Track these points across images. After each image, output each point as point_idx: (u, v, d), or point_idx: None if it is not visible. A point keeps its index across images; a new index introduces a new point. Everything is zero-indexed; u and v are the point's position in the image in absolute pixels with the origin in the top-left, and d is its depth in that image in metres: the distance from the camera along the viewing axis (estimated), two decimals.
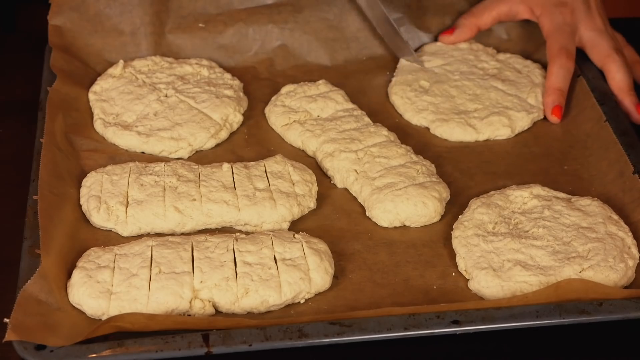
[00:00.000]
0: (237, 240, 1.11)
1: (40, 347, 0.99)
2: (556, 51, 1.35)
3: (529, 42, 1.45)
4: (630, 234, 1.14)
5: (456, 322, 1.03)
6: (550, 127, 1.33)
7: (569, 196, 1.19)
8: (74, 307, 1.06)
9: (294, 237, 1.13)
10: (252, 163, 1.22)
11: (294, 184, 1.19)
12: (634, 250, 1.13)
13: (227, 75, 1.37)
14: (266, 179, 1.19)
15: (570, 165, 1.27)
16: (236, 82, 1.36)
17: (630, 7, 1.80)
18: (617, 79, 1.34)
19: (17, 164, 1.21)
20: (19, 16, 1.72)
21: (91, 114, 1.31)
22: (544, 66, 1.41)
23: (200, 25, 1.41)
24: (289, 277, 1.08)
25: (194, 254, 1.09)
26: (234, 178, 1.19)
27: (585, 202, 1.18)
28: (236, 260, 1.09)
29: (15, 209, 1.15)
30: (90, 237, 1.15)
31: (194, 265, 1.08)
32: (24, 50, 1.43)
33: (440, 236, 1.17)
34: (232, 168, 1.20)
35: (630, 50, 1.43)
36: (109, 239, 1.15)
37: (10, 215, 1.14)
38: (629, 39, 1.44)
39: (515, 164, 1.28)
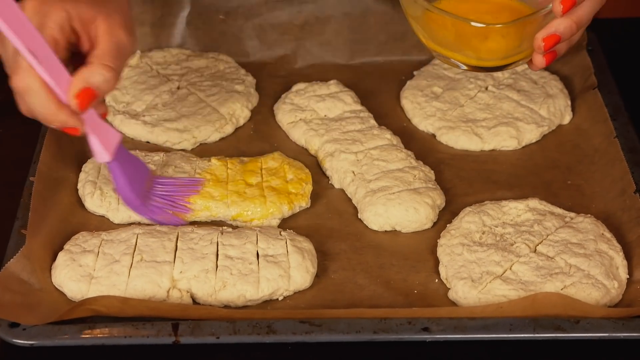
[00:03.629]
0: (222, 233, 1.13)
1: (14, 325, 1.02)
2: None
3: None
4: (621, 253, 1.12)
5: (427, 330, 1.03)
6: (559, 140, 1.31)
7: (565, 212, 1.18)
8: (56, 288, 1.09)
9: (280, 234, 1.14)
10: (248, 159, 1.23)
11: (287, 182, 1.20)
12: (622, 271, 1.11)
13: (242, 71, 1.39)
14: (260, 175, 1.21)
15: (574, 180, 1.26)
16: (249, 78, 1.38)
17: (630, 7, 1.76)
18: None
19: (17, 164, 1.23)
20: None
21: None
22: (563, 78, 1.39)
23: (221, 17, 1.43)
24: (268, 273, 1.09)
25: (178, 244, 1.11)
26: (228, 173, 1.20)
27: (579, 218, 1.16)
28: (218, 253, 1.10)
29: (15, 209, 1.16)
30: (83, 222, 1.17)
31: (176, 256, 1.10)
32: None
33: (429, 243, 1.17)
34: (227, 163, 1.22)
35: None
36: (102, 224, 1.18)
37: (10, 215, 1.16)
38: (629, 39, 1.42)
39: (517, 176, 1.26)
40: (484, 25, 1.07)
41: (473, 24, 1.07)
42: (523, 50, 1.10)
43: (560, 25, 1.06)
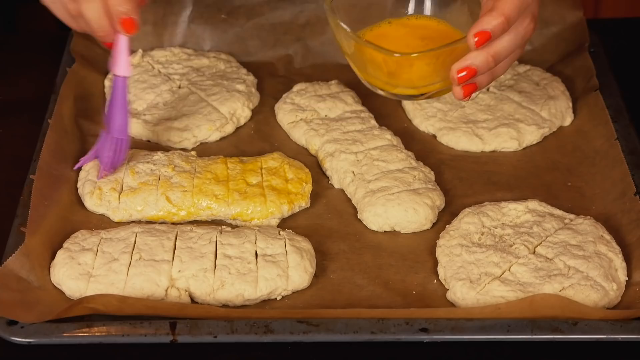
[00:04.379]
0: (221, 232, 1.13)
1: (12, 323, 1.03)
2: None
3: (553, 52, 1.43)
4: (620, 255, 1.12)
5: (425, 330, 1.03)
6: (560, 142, 1.31)
7: (565, 213, 1.18)
8: (55, 286, 1.09)
9: (279, 234, 1.14)
10: (248, 158, 1.23)
11: (287, 182, 1.20)
12: (621, 272, 1.11)
13: (243, 70, 1.39)
14: (260, 174, 1.21)
15: (575, 182, 1.25)
16: (250, 78, 1.38)
17: (630, 7, 1.76)
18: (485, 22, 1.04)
19: (17, 163, 1.23)
20: (19, 16, 1.74)
21: (105, 100, 1.34)
22: (565, 79, 1.39)
23: (223, 16, 1.43)
24: (266, 272, 1.09)
25: (177, 243, 1.11)
26: (228, 172, 1.21)
27: (578, 220, 1.16)
28: (217, 252, 1.10)
29: (15, 208, 1.16)
30: (83, 220, 1.18)
31: (175, 254, 1.10)
32: (24, 50, 1.46)
33: (428, 244, 1.17)
34: (227, 162, 1.22)
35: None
36: (101, 223, 1.18)
37: (10, 214, 1.16)
38: (629, 39, 1.41)
39: (517, 177, 1.26)
40: (399, 55, 1.06)
41: (387, 53, 1.06)
42: (446, 79, 1.08)
43: (476, 58, 1.04)
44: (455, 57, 1.05)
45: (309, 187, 1.21)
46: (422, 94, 1.12)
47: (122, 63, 1.14)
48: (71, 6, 1.11)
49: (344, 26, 1.09)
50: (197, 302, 1.08)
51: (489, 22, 1.02)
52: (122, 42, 1.13)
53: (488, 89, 1.36)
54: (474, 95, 1.12)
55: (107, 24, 1.10)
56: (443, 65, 1.06)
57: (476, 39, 1.02)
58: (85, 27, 1.12)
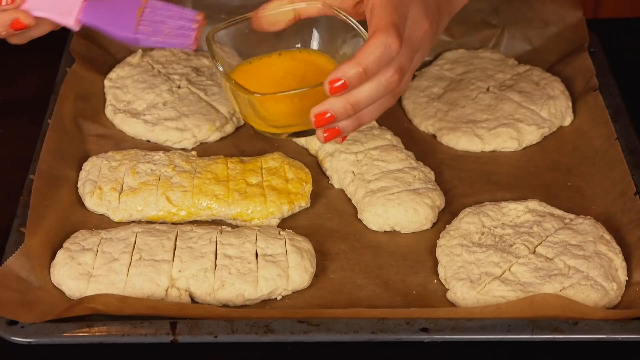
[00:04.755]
0: (221, 232, 1.13)
1: (12, 323, 1.03)
2: (384, 25, 1.00)
3: (553, 52, 1.43)
4: (620, 255, 1.12)
5: (425, 330, 1.03)
6: (560, 142, 1.31)
7: (565, 213, 1.18)
8: (54, 286, 1.09)
9: (279, 234, 1.14)
10: (248, 158, 1.23)
11: (287, 182, 1.20)
12: (621, 272, 1.11)
13: None
14: (260, 174, 1.21)
15: (574, 182, 1.25)
16: None
17: (630, 7, 1.76)
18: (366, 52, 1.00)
19: (17, 163, 1.23)
20: None
21: (104, 100, 1.34)
22: (565, 79, 1.39)
23: (222, 16, 1.43)
24: (266, 272, 1.09)
25: (177, 243, 1.11)
26: (228, 172, 1.21)
27: (578, 220, 1.16)
28: (217, 252, 1.10)
29: (15, 208, 1.16)
30: (83, 220, 1.18)
31: (175, 254, 1.10)
32: (24, 50, 1.45)
33: (429, 244, 1.17)
34: (227, 162, 1.22)
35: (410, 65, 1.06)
36: (101, 223, 1.18)
37: (10, 214, 1.16)
38: (628, 39, 1.41)
39: (517, 177, 1.26)
40: (259, 95, 1.04)
41: (245, 92, 1.05)
42: (307, 122, 1.05)
43: (334, 104, 1.01)
44: (318, 100, 1.02)
45: (309, 187, 1.21)
46: (283, 133, 1.10)
47: (58, 20, 1.08)
48: None
49: (215, 62, 1.08)
50: (197, 302, 1.08)
51: (346, 71, 0.99)
52: None
53: (488, 89, 1.36)
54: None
55: None
56: (306, 107, 1.04)
57: (329, 87, 1.00)
58: None
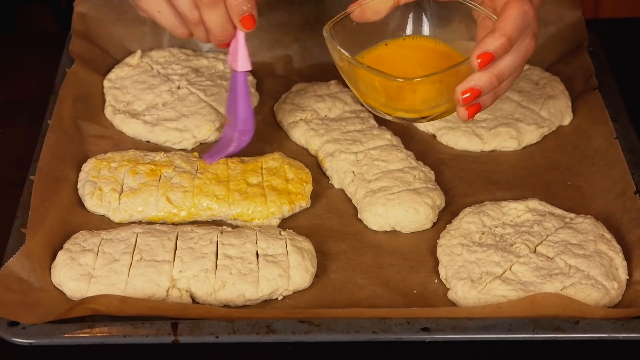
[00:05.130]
0: (222, 233, 1.13)
1: (13, 324, 1.02)
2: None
3: (552, 52, 1.43)
4: (621, 254, 1.12)
5: (426, 330, 1.03)
6: (560, 141, 1.31)
7: (565, 213, 1.18)
8: (55, 287, 1.09)
9: (280, 234, 1.14)
10: (248, 158, 1.23)
11: (288, 182, 1.20)
12: (622, 271, 1.11)
13: None
14: (260, 175, 1.21)
15: (574, 181, 1.26)
16: (249, 78, 1.38)
17: (630, 7, 1.76)
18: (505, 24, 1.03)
19: (17, 164, 1.23)
20: (19, 16, 1.74)
21: (104, 101, 1.34)
22: (564, 78, 1.39)
23: None
24: (267, 273, 1.09)
25: (178, 244, 1.11)
26: (228, 172, 1.20)
27: (578, 219, 1.16)
28: (218, 252, 1.10)
29: (15, 208, 1.16)
30: (83, 221, 1.17)
31: (176, 255, 1.10)
32: (24, 50, 1.46)
33: (429, 243, 1.17)
34: (227, 162, 1.22)
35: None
36: (102, 224, 1.18)
37: (10, 215, 1.16)
38: (629, 39, 1.41)
39: (517, 176, 1.26)
40: (402, 80, 1.06)
41: (389, 78, 1.06)
42: (449, 101, 1.08)
43: (480, 79, 1.04)
44: (458, 79, 1.05)
45: (309, 187, 1.21)
46: (424, 117, 1.11)
47: (242, 58, 1.16)
48: (191, 15, 1.11)
49: (345, 52, 1.09)
50: (198, 303, 1.08)
51: (492, 43, 1.02)
52: (241, 39, 1.15)
53: None
54: (477, 115, 1.12)
55: (230, 27, 1.12)
56: (446, 88, 1.06)
57: (479, 61, 1.02)
58: (201, 34, 1.13)
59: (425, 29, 1.17)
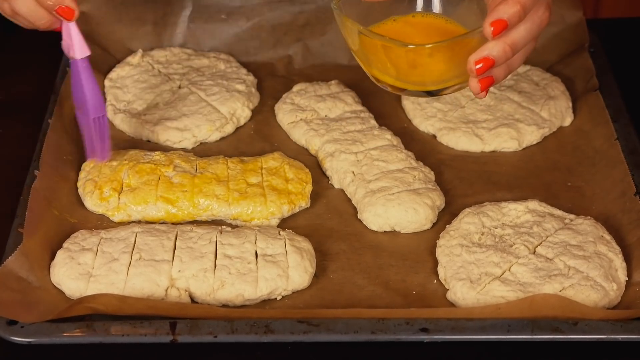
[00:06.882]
0: (221, 232, 1.13)
1: (12, 323, 1.03)
2: None
3: (553, 52, 1.43)
4: (620, 255, 1.12)
5: (425, 330, 1.03)
6: (560, 142, 1.31)
7: (565, 214, 1.18)
8: (54, 286, 1.09)
9: (279, 234, 1.14)
10: (248, 158, 1.23)
11: (287, 182, 1.20)
12: (621, 273, 1.11)
13: (243, 70, 1.39)
14: (260, 174, 1.21)
15: (575, 182, 1.25)
16: (250, 78, 1.38)
17: (630, 7, 1.76)
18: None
19: (17, 164, 1.23)
20: None
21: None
22: (565, 79, 1.39)
23: (223, 16, 1.43)
24: (266, 273, 1.09)
25: (177, 243, 1.11)
26: (228, 172, 1.20)
27: (578, 220, 1.16)
28: (217, 252, 1.10)
29: (15, 208, 1.16)
30: (83, 221, 1.18)
31: (175, 254, 1.10)
32: (24, 50, 1.46)
33: (429, 244, 1.17)
34: (227, 162, 1.22)
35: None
36: (102, 223, 1.18)
37: (9, 214, 1.16)
38: (629, 39, 1.41)
39: (518, 177, 1.26)
40: (413, 46, 1.04)
41: (398, 44, 1.05)
42: (460, 75, 1.07)
43: (494, 48, 1.02)
44: (469, 50, 1.03)
45: (309, 187, 1.21)
46: (432, 92, 1.10)
47: (78, 45, 1.13)
48: (5, 7, 1.11)
49: (353, 22, 1.07)
50: (197, 302, 1.08)
51: (506, 11, 1.01)
52: (71, 27, 1.12)
53: None
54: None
55: (44, 14, 1.10)
56: (457, 59, 1.05)
57: (492, 29, 1.01)
58: (27, 23, 1.12)
59: (435, 6, 1.16)
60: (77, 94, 1.17)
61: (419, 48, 1.05)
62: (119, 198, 1.17)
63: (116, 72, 1.37)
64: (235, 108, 1.32)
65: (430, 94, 1.11)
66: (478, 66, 1.02)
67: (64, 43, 1.14)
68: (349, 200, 1.22)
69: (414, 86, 1.10)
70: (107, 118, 1.20)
